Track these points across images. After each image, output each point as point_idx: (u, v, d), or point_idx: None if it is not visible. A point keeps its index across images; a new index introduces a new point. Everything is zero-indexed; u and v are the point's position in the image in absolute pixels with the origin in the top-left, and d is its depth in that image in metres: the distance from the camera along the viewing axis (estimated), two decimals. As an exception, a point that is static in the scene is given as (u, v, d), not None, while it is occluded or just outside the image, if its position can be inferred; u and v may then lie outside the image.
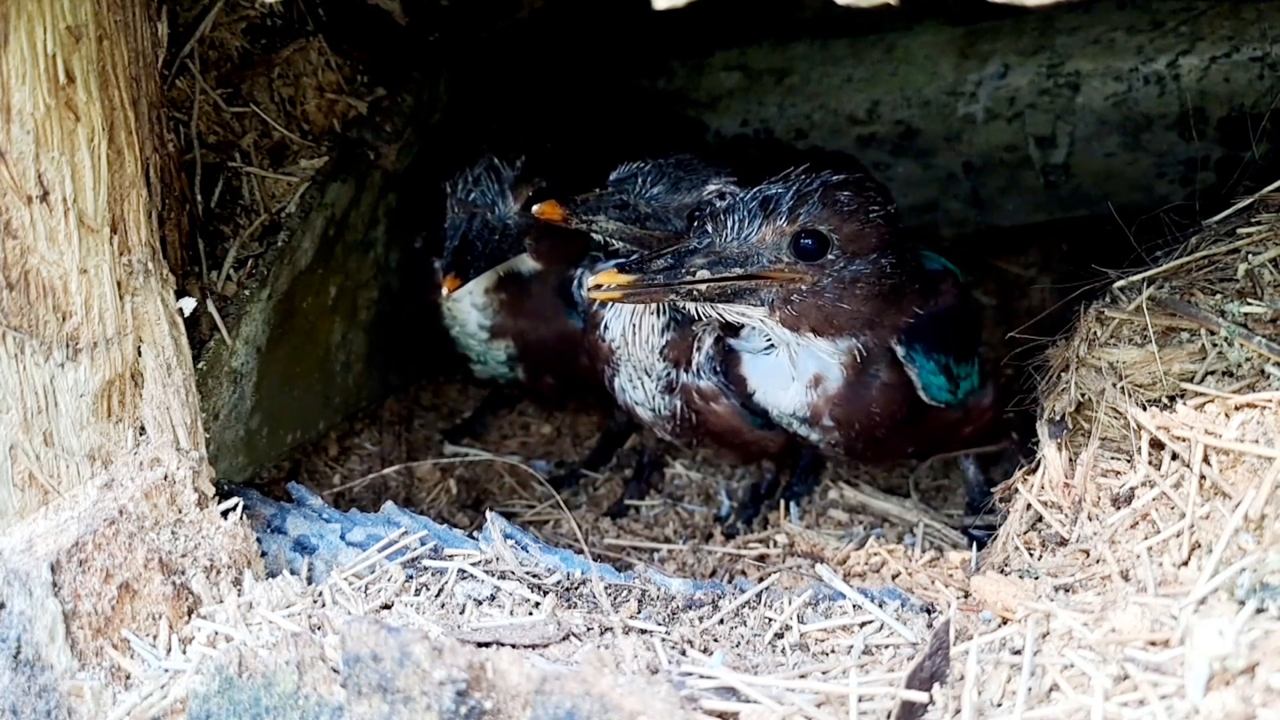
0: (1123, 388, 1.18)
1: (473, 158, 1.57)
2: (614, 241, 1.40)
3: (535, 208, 1.37)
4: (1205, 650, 0.86)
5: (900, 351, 1.32)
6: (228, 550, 1.16)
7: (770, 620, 1.17)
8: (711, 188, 1.38)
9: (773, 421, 1.47)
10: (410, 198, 1.71)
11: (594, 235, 1.41)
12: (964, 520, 1.54)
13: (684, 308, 1.31)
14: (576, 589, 1.20)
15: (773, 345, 1.35)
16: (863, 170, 1.42)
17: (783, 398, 1.37)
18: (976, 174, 1.93)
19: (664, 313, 1.44)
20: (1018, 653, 0.99)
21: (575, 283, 1.59)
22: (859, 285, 1.27)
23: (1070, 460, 1.22)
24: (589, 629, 1.13)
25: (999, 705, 0.95)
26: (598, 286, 1.24)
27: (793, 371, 1.35)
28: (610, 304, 1.47)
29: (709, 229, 1.26)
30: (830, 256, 1.26)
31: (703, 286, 1.25)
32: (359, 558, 1.23)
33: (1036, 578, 1.13)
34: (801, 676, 1.04)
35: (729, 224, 1.26)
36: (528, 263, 1.62)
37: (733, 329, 1.39)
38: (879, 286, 1.28)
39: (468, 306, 1.66)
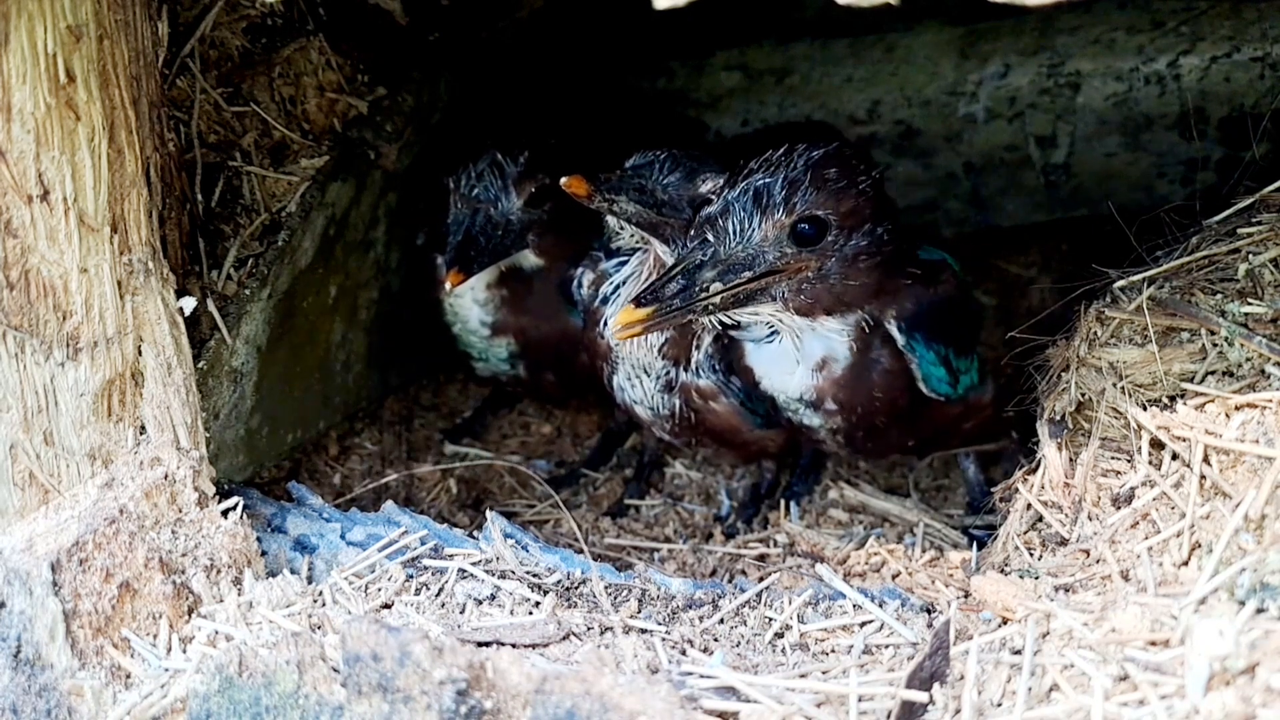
0: (1123, 387, 1.18)
1: (476, 153, 1.58)
2: (628, 227, 1.40)
3: (563, 180, 1.35)
4: (1205, 650, 0.86)
5: (900, 340, 1.32)
6: (228, 550, 1.16)
7: (770, 620, 1.17)
8: (724, 181, 1.38)
9: (773, 420, 1.47)
10: (410, 197, 1.71)
11: (610, 218, 1.40)
12: (964, 520, 1.54)
13: (703, 322, 1.30)
14: (577, 588, 1.20)
15: (775, 333, 1.35)
16: (840, 138, 1.41)
17: (789, 382, 1.37)
18: (977, 174, 1.93)
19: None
20: (1018, 653, 0.99)
21: (575, 282, 1.60)
22: (861, 258, 1.27)
23: (1070, 460, 1.22)
24: (589, 628, 1.13)
25: (999, 705, 0.95)
26: (621, 327, 1.24)
27: (797, 355, 1.34)
28: (612, 300, 1.47)
29: (710, 237, 1.26)
30: (830, 238, 1.26)
31: (718, 299, 1.25)
32: (359, 557, 1.23)
33: (1036, 578, 1.13)
34: (801, 676, 1.04)
35: (729, 228, 1.25)
36: (530, 259, 1.62)
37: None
38: (880, 255, 1.28)
39: (469, 303, 1.67)
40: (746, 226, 1.25)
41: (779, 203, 1.24)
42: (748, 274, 1.25)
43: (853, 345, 1.33)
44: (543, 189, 1.56)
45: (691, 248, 1.28)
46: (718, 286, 1.24)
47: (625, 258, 1.49)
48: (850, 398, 1.35)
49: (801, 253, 1.25)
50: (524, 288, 1.65)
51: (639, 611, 1.17)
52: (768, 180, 1.25)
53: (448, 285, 1.51)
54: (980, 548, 1.38)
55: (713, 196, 1.37)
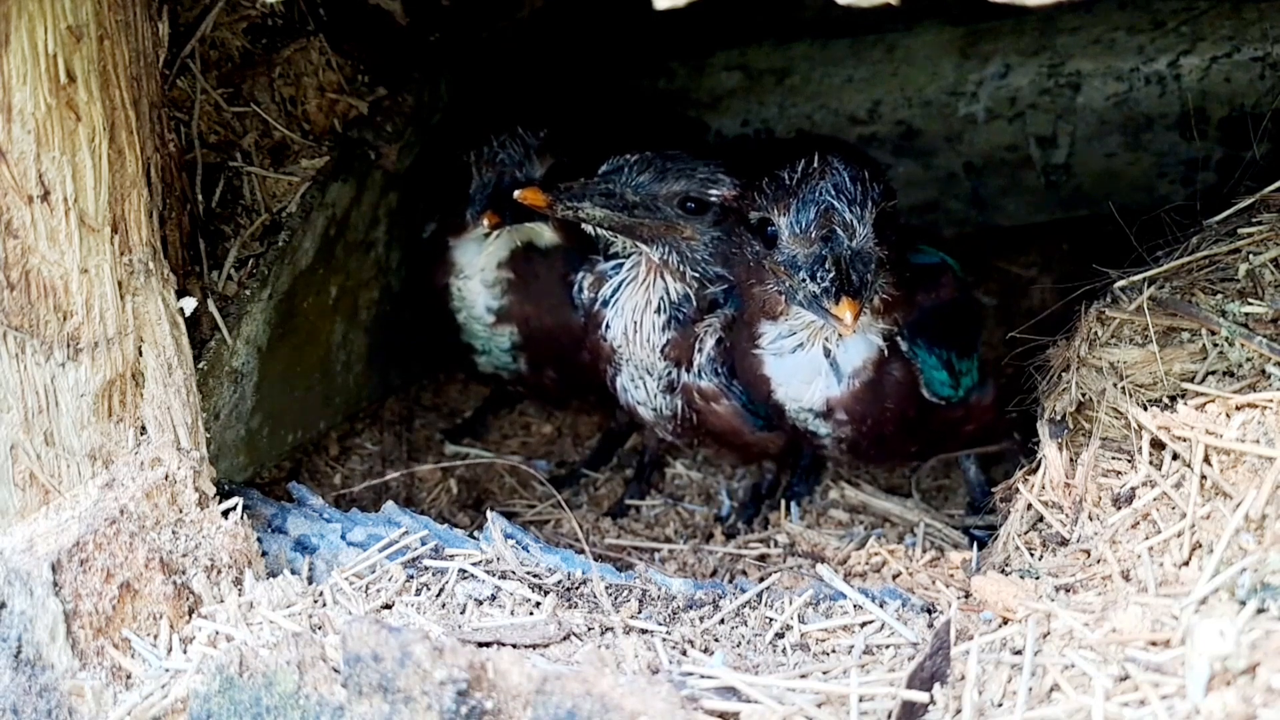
0: (1123, 388, 1.18)
1: (497, 129, 1.59)
2: (603, 231, 1.40)
3: (517, 194, 1.38)
4: (1206, 650, 0.86)
5: (903, 346, 1.32)
6: (228, 550, 1.16)
7: (771, 620, 1.17)
8: (701, 174, 1.38)
9: (774, 423, 1.47)
10: (411, 198, 1.71)
11: (583, 224, 1.41)
12: (965, 520, 1.54)
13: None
14: (577, 589, 1.20)
15: (801, 345, 1.34)
16: (858, 153, 1.41)
17: (804, 392, 1.36)
18: (977, 174, 1.93)
19: (664, 310, 1.44)
20: (1018, 653, 0.99)
21: (576, 286, 1.60)
22: (889, 260, 1.28)
23: (1071, 460, 1.22)
24: (590, 629, 1.13)
25: (999, 705, 0.95)
26: None
27: (824, 366, 1.34)
28: (611, 303, 1.47)
29: (831, 247, 1.23)
30: (892, 239, 1.27)
31: (876, 300, 1.26)
32: (360, 557, 1.23)
33: (1037, 578, 1.13)
34: (802, 676, 1.04)
35: (851, 242, 1.23)
36: (546, 235, 1.63)
37: (754, 334, 1.37)
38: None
39: (478, 286, 1.67)
40: (861, 219, 1.23)
41: (870, 233, 1.23)
42: (874, 266, 1.24)
43: (883, 348, 1.33)
44: (560, 166, 1.57)
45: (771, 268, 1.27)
46: (869, 279, 1.23)
47: (623, 259, 1.49)
48: (864, 409, 1.35)
49: (885, 250, 1.25)
50: (532, 273, 1.66)
51: (639, 612, 1.17)
52: (853, 211, 1.22)
53: (485, 224, 1.52)
54: (981, 548, 1.38)
55: (695, 193, 1.36)
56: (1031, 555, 1.20)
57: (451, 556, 1.23)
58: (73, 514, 1.12)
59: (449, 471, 1.74)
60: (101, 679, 1.05)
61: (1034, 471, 1.26)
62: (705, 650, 1.10)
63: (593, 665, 0.98)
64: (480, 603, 1.16)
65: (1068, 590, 1.09)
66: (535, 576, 1.21)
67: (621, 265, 1.49)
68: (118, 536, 1.09)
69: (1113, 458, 1.18)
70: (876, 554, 1.43)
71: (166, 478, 1.15)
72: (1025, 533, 1.24)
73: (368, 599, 1.16)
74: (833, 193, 1.22)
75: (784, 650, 1.12)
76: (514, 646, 1.07)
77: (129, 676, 1.06)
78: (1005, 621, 1.07)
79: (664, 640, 1.11)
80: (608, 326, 1.49)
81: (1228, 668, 0.84)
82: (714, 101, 1.99)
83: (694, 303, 1.44)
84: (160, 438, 1.21)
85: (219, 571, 1.15)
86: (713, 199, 1.37)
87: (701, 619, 1.17)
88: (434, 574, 1.21)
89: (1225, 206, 1.34)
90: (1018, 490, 1.27)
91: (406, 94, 1.59)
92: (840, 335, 1.29)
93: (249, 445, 1.45)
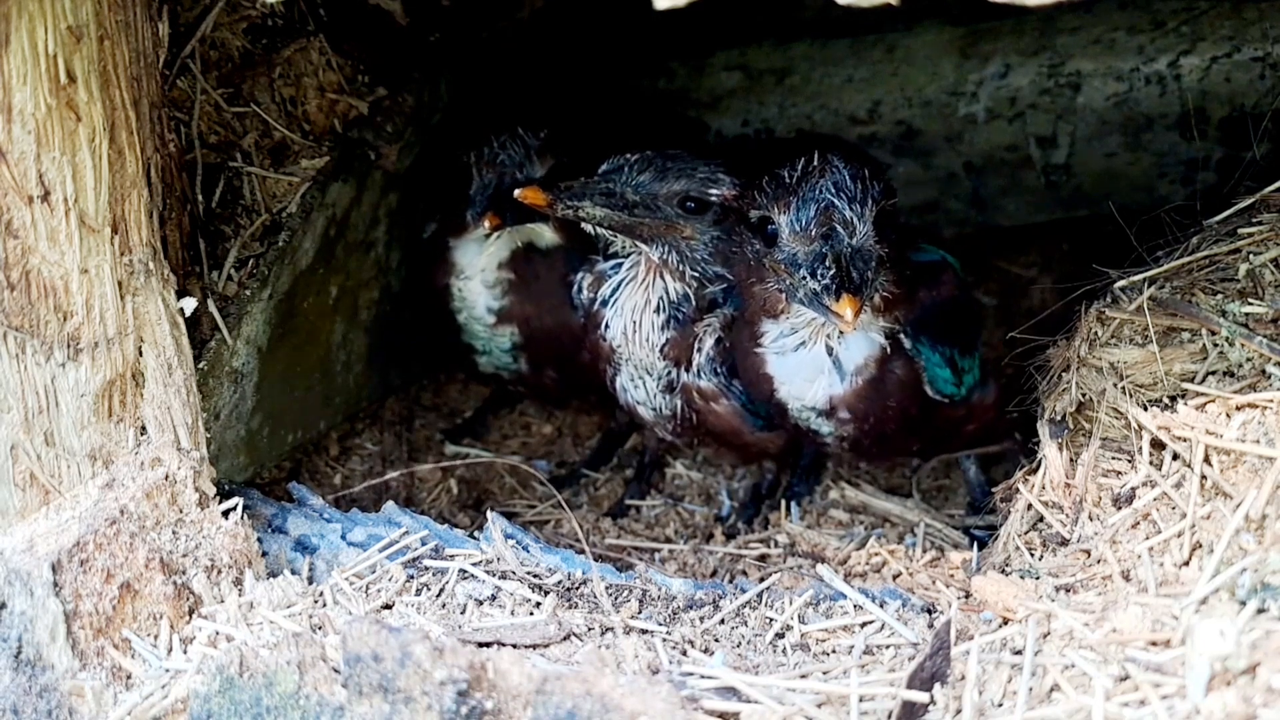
0: (1124, 388, 1.18)
1: (497, 129, 1.59)
2: (603, 230, 1.41)
3: (517, 192, 1.38)
4: (1206, 650, 0.86)
5: (907, 344, 1.32)
6: (229, 550, 1.16)
7: (771, 620, 1.17)
8: (701, 174, 1.38)
9: (774, 422, 1.47)
10: (411, 198, 1.71)
11: (583, 223, 1.41)
12: (965, 520, 1.54)
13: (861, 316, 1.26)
14: (577, 589, 1.20)
15: (803, 344, 1.34)
16: (858, 152, 1.41)
17: (807, 391, 1.36)
18: (977, 174, 1.93)
19: (663, 310, 1.45)
20: (1018, 653, 0.99)
21: (575, 287, 1.60)
22: (889, 258, 1.27)
23: (1071, 460, 1.22)
24: (590, 629, 1.13)
25: (1000, 705, 0.95)
26: None
27: (827, 364, 1.34)
28: (611, 303, 1.47)
29: (831, 245, 1.23)
30: (892, 238, 1.26)
31: (876, 298, 1.26)
32: (360, 558, 1.23)
33: (1037, 578, 1.13)
34: (802, 676, 1.04)
35: (852, 239, 1.23)
36: (547, 235, 1.64)
37: (755, 334, 1.37)
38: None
39: (478, 286, 1.68)
40: (861, 217, 1.23)
41: (871, 230, 1.23)
42: (874, 264, 1.23)
43: (885, 347, 1.33)
44: (561, 166, 1.57)
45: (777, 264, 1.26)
46: (869, 277, 1.23)
47: (623, 259, 1.49)
48: (866, 407, 1.35)
49: (884, 248, 1.24)
50: (533, 273, 1.66)
51: (640, 612, 1.17)
52: (854, 210, 1.22)
53: (485, 224, 1.52)
54: (981, 548, 1.38)
55: (696, 192, 1.36)
56: (1031, 555, 1.20)
57: (451, 556, 1.23)
58: (73, 514, 1.12)
59: (449, 471, 1.74)
60: (101, 679, 1.05)
61: (1034, 471, 1.26)
62: (705, 650, 1.11)
63: (593, 665, 0.98)
64: (480, 603, 1.16)
65: (1068, 590, 1.09)
66: (535, 577, 1.21)
67: (621, 265, 1.49)
68: (118, 537, 1.09)
69: (1113, 458, 1.18)
70: (876, 554, 1.43)
71: (167, 478, 1.15)
72: (1025, 533, 1.24)
73: (368, 599, 1.16)
74: (833, 190, 1.22)
75: (784, 650, 1.12)
76: (514, 646, 1.07)
77: (129, 677, 1.06)
78: (1005, 621, 1.07)
79: (664, 640, 1.11)
80: (607, 326, 1.49)
81: (1228, 668, 0.84)
82: (714, 101, 2.00)
83: (693, 302, 1.45)
84: (160, 438, 1.21)
85: (219, 572, 1.15)
86: (713, 198, 1.38)
87: (701, 619, 1.17)
88: (434, 574, 1.21)
89: (1225, 206, 1.34)
90: (1018, 490, 1.27)
91: (406, 94, 1.59)
92: (842, 332, 1.29)
93: (249, 445, 1.45)
